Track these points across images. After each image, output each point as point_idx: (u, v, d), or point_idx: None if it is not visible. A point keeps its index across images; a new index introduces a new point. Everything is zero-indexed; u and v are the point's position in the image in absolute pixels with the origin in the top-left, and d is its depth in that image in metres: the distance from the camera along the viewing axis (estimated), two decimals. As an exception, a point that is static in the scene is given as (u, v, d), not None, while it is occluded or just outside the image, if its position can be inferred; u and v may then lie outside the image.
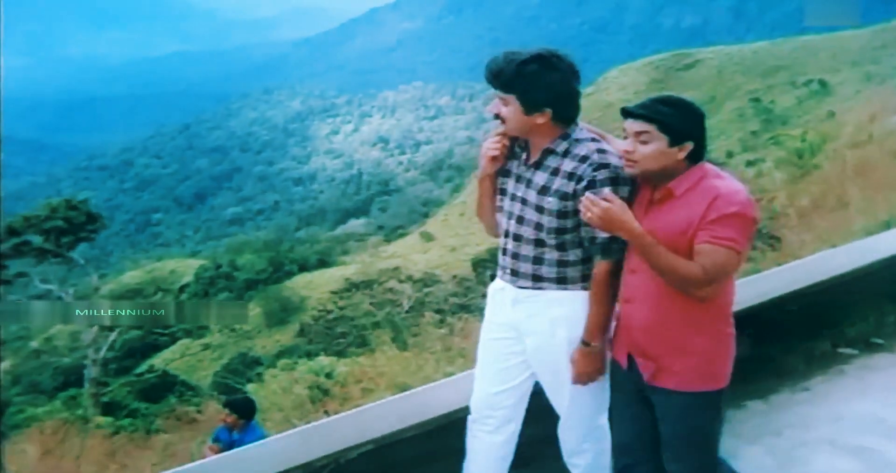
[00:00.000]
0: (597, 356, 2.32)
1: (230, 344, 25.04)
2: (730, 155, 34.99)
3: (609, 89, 49.00)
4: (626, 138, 2.16)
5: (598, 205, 2.10)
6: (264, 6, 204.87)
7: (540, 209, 2.27)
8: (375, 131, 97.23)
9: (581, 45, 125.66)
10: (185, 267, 35.13)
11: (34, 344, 25.75)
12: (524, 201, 2.31)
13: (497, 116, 2.27)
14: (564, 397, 2.43)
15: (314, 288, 29.36)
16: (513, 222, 2.34)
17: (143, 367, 19.52)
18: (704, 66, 50.46)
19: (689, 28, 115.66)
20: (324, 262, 34.09)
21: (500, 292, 2.47)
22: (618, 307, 2.31)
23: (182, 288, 30.96)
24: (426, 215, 53.01)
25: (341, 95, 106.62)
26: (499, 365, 2.47)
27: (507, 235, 2.38)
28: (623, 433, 2.38)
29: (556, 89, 2.20)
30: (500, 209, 2.40)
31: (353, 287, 22.49)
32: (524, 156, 2.32)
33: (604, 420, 2.49)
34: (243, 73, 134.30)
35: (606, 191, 2.16)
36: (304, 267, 32.84)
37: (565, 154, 2.25)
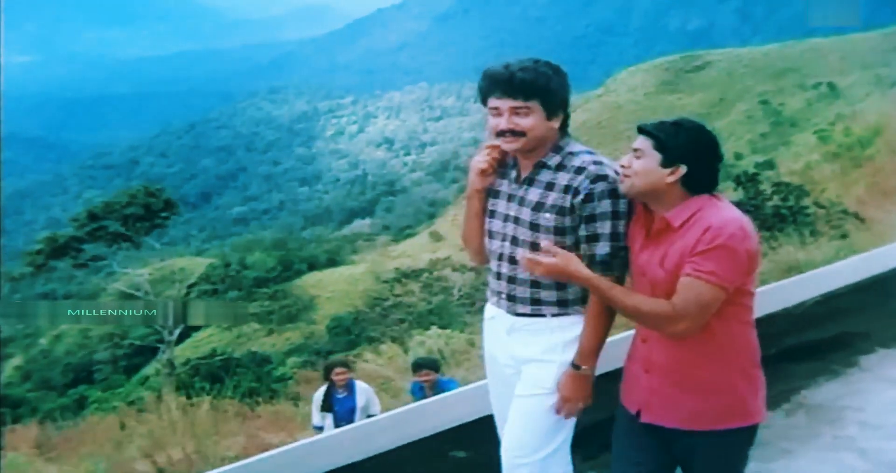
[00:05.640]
0: (586, 381, 2.18)
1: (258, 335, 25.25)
2: (739, 157, 35.03)
3: (618, 91, 48.79)
4: None
5: (540, 262, 2.06)
6: (271, 5, 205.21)
7: (535, 226, 2.16)
8: (381, 132, 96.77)
9: (587, 46, 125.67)
10: (194, 266, 35.22)
11: (43, 341, 25.82)
12: (517, 220, 2.20)
13: (513, 132, 2.12)
14: (517, 417, 2.24)
15: (326, 284, 29.44)
16: (507, 244, 2.22)
17: (207, 351, 19.66)
18: (714, 68, 50.32)
19: (695, 30, 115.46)
20: (333, 261, 34.20)
21: (492, 322, 2.35)
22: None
23: (191, 286, 31.09)
24: (432, 215, 52.93)
25: (347, 95, 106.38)
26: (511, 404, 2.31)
27: (500, 258, 2.25)
28: None
29: (567, 94, 2.17)
30: (489, 232, 2.29)
31: (403, 276, 22.99)
32: (514, 173, 2.23)
33: (552, 449, 2.23)
34: (249, 73, 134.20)
35: (544, 243, 2.10)
36: (313, 266, 32.91)
37: (559, 167, 2.15)
